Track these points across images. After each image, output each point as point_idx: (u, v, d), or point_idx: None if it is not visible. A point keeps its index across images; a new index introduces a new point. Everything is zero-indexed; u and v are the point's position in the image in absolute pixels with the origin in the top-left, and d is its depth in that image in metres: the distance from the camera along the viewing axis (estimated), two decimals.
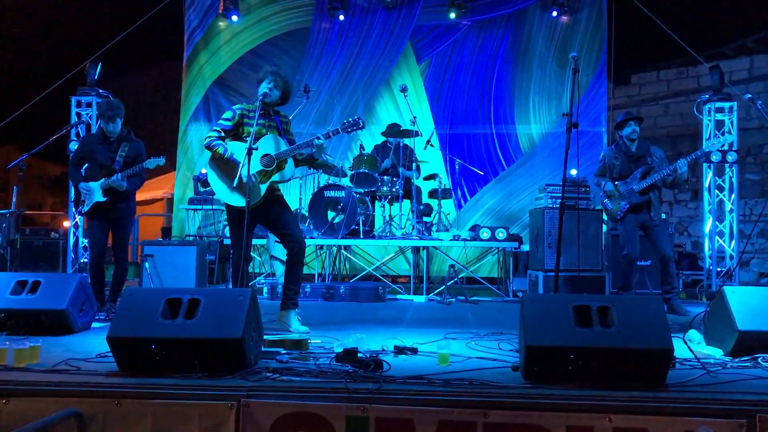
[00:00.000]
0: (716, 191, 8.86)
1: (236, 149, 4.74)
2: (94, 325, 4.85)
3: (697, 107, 9.08)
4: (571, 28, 10.13)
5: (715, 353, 3.83)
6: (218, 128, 4.86)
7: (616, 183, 6.34)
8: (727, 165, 8.72)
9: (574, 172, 7.70)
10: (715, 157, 8.34)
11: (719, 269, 8.66)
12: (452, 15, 10.10)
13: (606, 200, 6.42)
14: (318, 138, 4.76)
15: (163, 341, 3.22)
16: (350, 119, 4.86)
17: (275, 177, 4.75)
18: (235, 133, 4.86)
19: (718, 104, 8.87)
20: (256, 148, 4.65)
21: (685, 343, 3.88)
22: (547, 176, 9.59)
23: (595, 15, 10.07)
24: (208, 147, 4.83)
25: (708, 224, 8.90)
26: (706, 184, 8.97)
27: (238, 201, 4.75)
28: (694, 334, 4.28)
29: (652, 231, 6.30)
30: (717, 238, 8.81)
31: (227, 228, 8.16)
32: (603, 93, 10.04)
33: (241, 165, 4.49)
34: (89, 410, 2.86)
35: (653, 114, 12.99)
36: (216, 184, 4.87)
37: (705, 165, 8.89)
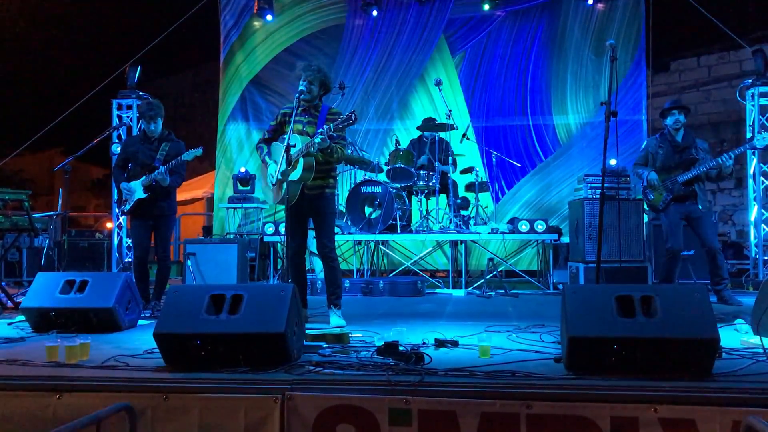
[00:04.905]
0: (761, 178, 8.66)
1: (278, 149, 4.87)
2: (140, 322, 4.95)
3: (740, 93, 8.87)
4: (607, 16, 9.97)
5: (765, 343, 3.74)
6: (265, 130, 5.13)
7: (660, 174, 6.18)
8: None
9: (613, 161, 7.60)
10: (760, 143, 8.13)
11: (766, 258, 8.46)
12: (486, 6, 10.02)
13: (648, 190, 6.25)
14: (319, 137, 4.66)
15: (207, 336, 3.27)
16: (342, 115, 4.72)
17: (291, 176, 4.77)
18: (280, 133, 5.00)
19: (762, 89, 8.65)
20: (294, 146, 4.69)
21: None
22: (585, 167, 9.47)
23: (632, 1, 9.89)
24: (256, 150, 5.18)
25: (753, 212, 8.69)
26: (751, 171, 8.77)
27: (271, 197, 4.97)
28: (741, 323, 4.20)
29: (696, 222, 6.10)
30: (763, 226, 8.60)
31: (267, 225, 8.35)
32: (642, 81, 9.87)
33: (279, 163, 4.66)
34: (138, 404, 2.92)
35: (694, 101, 12.71)
36: (261, 182, 5.12)
37: (749, 152, 8.68)
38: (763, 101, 8.66)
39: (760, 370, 3.11)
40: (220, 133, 10.72)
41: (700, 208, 6.07)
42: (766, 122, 8.66)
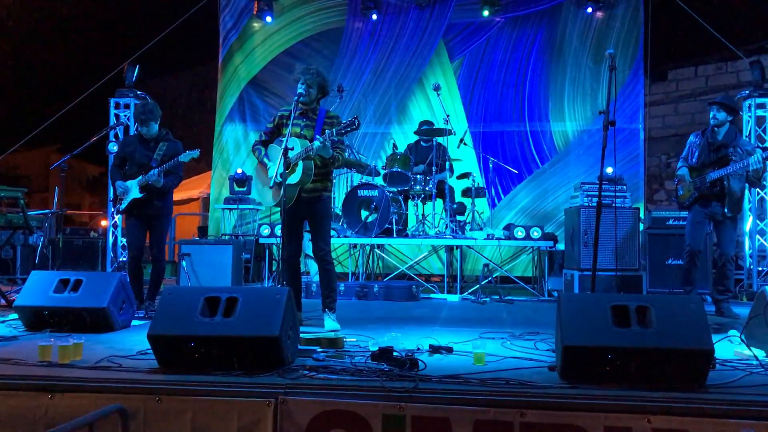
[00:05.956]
0: (757, 189, 8.67)
1: (275, 152, 4.86)
2: (134, 323, 4.94)
3: (737, 103, 8.89)
4: (606, 24, 9.99)
5: (758, 354, 3.75)
6: (262, 132, 5.12)
7: (695, 170, 5.95)
8: None
9: (609, 170, 7.61)
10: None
11: (760, 269, 8.48)
12: (485, 12, 10.03)
13: (680, 185, 6.05)
14: (318, 141, 4.66)
15: (201, 339, 3.26)
16: (345, 121, 4.73)
17: (289, 180, 4.76)
18: (277, 135, 5.01)
19: (759, 100, 8.69)
20: (292, 149, 4.68)
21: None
22: (581, 174, 9.48)
23: (632, 10, 9.91)
24: (254, 155, 5.12)
25: (749, 222, 8.71)
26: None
27: (267, 199, 5.02)
28: (735, 334, 4.20)
29: (717, 226, 5.92)
30: (758, 236, 8.63)
31: (262, 227, 8.34)
32: (639, 89, 9.88)
33: (277, 165, 4.65)
34: (131, 406, 2.91)
35: (691, 110, 12.76)
36: (256, 183, 5.13)
37: None
38: (760, 112, 8.70)
39: (753, 381, 3.12)
40: (217, 134, 10.71)
41: (726, 212, 5.83)
42: (762, 133, 8.69)
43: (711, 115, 5.91)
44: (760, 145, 7.43)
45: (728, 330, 4.37)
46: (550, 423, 2.78)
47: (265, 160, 5.00)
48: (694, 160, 6.01)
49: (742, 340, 3.92)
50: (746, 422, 2.67)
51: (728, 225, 5.92)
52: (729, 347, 3.93)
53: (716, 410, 2.75)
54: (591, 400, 2.82)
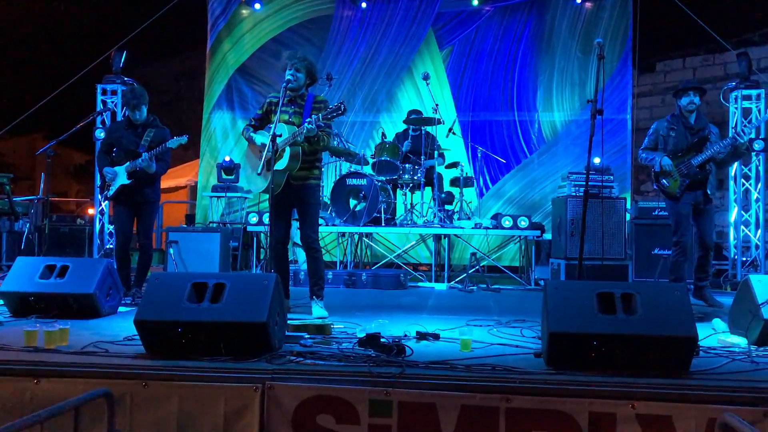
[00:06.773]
0: (742, 180, 8.75)
1: (263, 138, 4.86)
2: (121, 309, 4.93)
3: (724, 95, 8.96)
4: (595, 15, 10.01)
5: (740, 342, 3.79)
6: (251, 118, 5.10)
7: (672, 158, 5.74)
8: (753, 153, 8.59)
9: (597, 160, 7.64)
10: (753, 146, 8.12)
11: (744, 259, 8.56)
12: (475, 1, 10.04)
13: (662, 177, 5.77)
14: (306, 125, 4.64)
15: (188, 324, 3.26)
16: (331, 106, 4.72)
17: (277, 166, 4.73)
18: (266, 122, 4.97)
19: (746, 92, 8.74)
20: (280, 135, 4.67)
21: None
22: (569, 164, 9.51)
23: (620, 1, 9.93)
24: (243, 136, 5.10)
25: (733, 213, 8.79)
26: (732, 173, 8.87)
27: (256, 185, 5.03)
28: (718, 323, 4.26)
29: (701, 213, 5.76)
30: (742, 227, 8.70)
31: (250, 215, 8.31)
32: (627, 80, 9.92)
33: (264, 151, 4.63)
34: (117, 391, 2.89)
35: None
36: (245, 169, 5.11)
37: None
38: (746, 104, 8.75)
39: (736, 368, 3.15)
40: (205, 122, 10.65)
41: (709, 192, 5.73)
42: (747, 124, 8.73)
43: (687, 101, 5.73)
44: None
45: (712, 319, 4.42)
46: (536, 408, 2.80)
47: (253, 135, 4.96)
48: (669, 146, 5.82)
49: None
50: (729, 407, 2.70)
51: (708, 212, 5.81)
52: (713, 335, 3.97)
53: (700, 396, 2.78)
54: (576, 386, 2.85)
